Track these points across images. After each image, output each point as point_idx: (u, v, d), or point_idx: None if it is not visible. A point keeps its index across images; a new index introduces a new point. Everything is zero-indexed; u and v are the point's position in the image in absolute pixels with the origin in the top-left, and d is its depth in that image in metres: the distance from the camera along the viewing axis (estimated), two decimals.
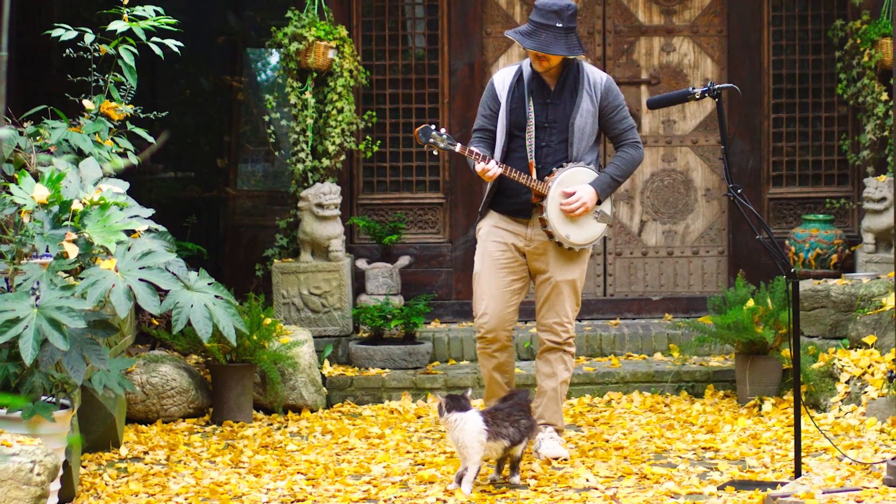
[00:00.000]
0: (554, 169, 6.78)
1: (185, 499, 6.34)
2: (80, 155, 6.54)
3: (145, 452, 7.26)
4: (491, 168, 6.67)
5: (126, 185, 6.20)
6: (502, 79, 6.90)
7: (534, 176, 6.78)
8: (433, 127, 6.76)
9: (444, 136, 6.71)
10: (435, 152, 6.78)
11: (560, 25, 6.68)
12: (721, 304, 8.50)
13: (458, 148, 6.70)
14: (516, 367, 7.62)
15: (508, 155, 6.83)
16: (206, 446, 7.40)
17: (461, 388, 8.49)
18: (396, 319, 8.82)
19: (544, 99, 6.83)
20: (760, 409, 7.99)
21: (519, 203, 6.85)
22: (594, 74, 6.88)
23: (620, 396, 8.49)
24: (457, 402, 6.35)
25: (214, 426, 7.91)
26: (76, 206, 5.84)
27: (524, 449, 6.50)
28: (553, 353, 6.92)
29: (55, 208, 5.85)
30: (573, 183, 6.78)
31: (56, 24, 6.78)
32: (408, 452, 7.20)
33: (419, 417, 8.12)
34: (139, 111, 6.95)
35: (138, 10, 6.75)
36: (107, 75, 6.83)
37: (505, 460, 6.47)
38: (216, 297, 6.03)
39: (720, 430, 7.54)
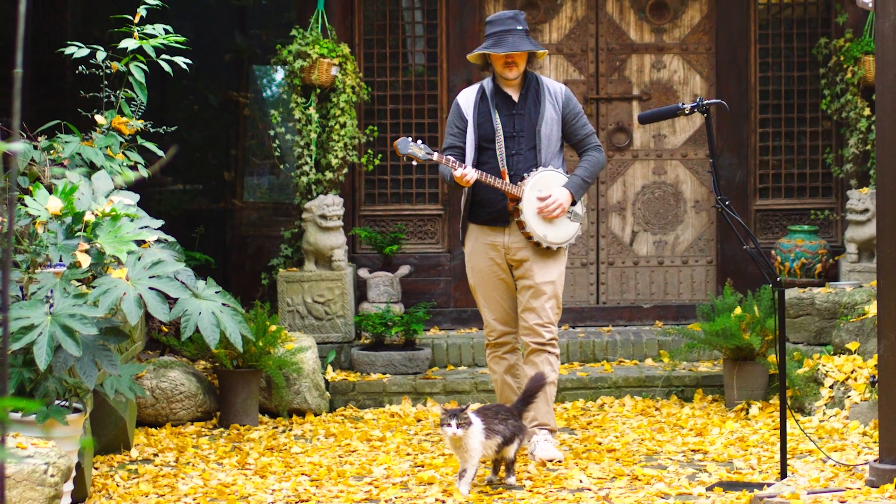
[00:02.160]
0: (525, 174, 6.97)
1: (194, 499, 6.36)
2: (93, 168, 6.58)
3: (155, 454, 7.31)
4: (469, 173, 6.84)
5: (136, 197, 6.24)
6: (466, 98, 7.10)
7: (507, 181, 6.98)
8: (410, 139, 6.91)
9: (422, 147, 6.87)
10: (414, 163, 6.93)
11: (520, 28, 6.96)
12: (710, 312, 8.54)
13: (435, 157, 6.85)
14: None
15: (480, 166, 6.99)
16: (213, 449, 7.44)
17: (459, 393, 8.56)
18: (397, 326, 8.86)
19: (510, 111, 7.03)
20: (747, 413, 8.03)
21: (496, 211, 7.02)
22: (553, 85, 7.10)
23: (613, 400, 8.54)
24: (463, 418, 6.28)
25: (222, 429, 7.95)
26: (88, 217, 5.88)
27: (517, 450, 6.50)
28: (538, 355, 6.99)
29: (68, 219, 5.90)
30: (546, 185, 6.96)
31: (69, 42, 6.83)
32: (408, 454, 7.25)
33: (419, 421, 8.17)
34: (149, 126, 6.97)
35: (148, 29, 6.79)
36: (118, 91, 6.86)
37: (500, 462, 6.48)
38: (223, 304, 6.06)
39: (709, 433, 7.57)
